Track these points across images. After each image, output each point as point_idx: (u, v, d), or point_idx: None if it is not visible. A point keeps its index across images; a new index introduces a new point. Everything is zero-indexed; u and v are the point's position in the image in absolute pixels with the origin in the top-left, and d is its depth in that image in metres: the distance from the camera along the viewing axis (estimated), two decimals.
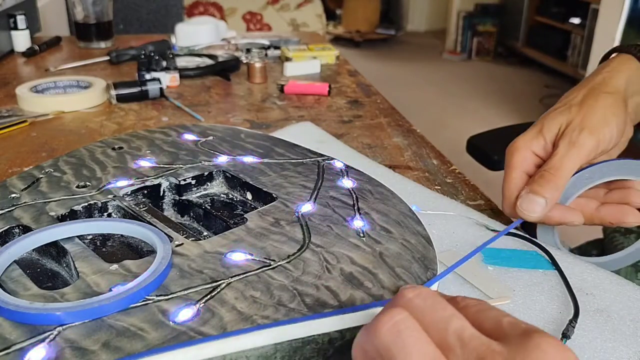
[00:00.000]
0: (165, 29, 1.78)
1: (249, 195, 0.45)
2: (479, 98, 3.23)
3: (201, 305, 0.30)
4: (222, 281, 0.32)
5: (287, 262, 0.34)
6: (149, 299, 0.30)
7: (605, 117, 0.43)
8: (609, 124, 0.42)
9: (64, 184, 0.43)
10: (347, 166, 0.47)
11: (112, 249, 0.39)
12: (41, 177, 0.45)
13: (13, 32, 1.06)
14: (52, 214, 0.39)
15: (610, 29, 2.30)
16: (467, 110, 3.03)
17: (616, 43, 2.06)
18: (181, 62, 0.96)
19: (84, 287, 0.31)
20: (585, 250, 0.74)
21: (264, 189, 0.43)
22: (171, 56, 0.88)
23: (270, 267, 0.33)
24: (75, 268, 0.33)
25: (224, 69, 0.94)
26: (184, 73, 0.90)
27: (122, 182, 0.43)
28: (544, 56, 3.58)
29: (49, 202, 0.41)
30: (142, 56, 0.86)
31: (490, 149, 0.85)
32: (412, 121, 0.74)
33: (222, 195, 0.46)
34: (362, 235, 0.37)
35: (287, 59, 0.99)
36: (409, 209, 0.42)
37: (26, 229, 0.37)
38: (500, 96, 3.26)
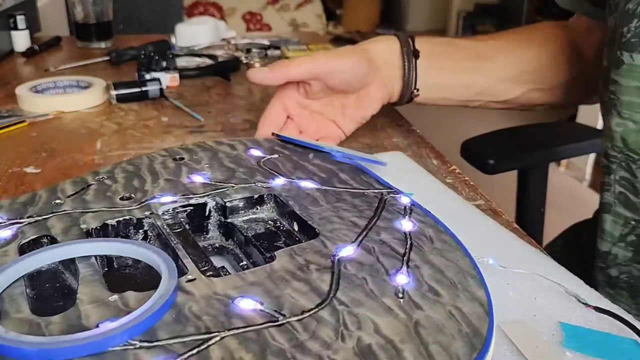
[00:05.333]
0: (165, 29, 1.77)
1: (296, 226, 0.40)
2: None
3: None
4: (217, 334, 0.28)
5: (297, 320, 0.29)
6: (131, 344, 0.27)
7: (340, 55, 0.56)
8: (342, 58, 0.56)
9: (110, 194, 0.42)
10: (414, 204, 0.41)
11: (131, 271, 0.37)
12: (92, 184, 0.43)
13: (13, 32, 1.06)
14: (84, 226, 0.37)
15: None
16: (467, 110, 3.03)
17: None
18: (181, 62, 0.96)
19: (73, 318, 0.29)
20: (572, 233, 0.76)
21: (309, 222, 0.38)
22: (171, 56, 0.88)
23: (276, 323, 0.29)
24: (76, 292, 0.31)
25: (224, 69, 0.94)
26: (184, 73, 0.90)
27: (166, 198, 0.41)
28: None
29: (86, 212, 0.39)
30: (142, 56, 0.86)
31: (485, 153, 0.85)
32: (412, 121, 0.74)
33: (270, 221, 0.43)
34: (400, 295, 0.31)
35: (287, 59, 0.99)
36: (473, 267, 0.34)
37: (53, 241, 0.36)
38: None
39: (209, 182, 0.44)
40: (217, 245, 0.42)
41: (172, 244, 0.36)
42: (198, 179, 0.44)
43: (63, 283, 0.35)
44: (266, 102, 0.81)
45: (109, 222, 0.38)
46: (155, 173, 0.45)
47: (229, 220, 0.42)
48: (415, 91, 0.60)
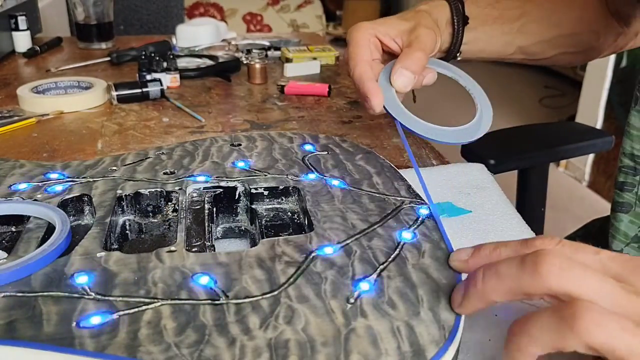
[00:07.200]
0: (165, 29, 1.78)
1: (306, 220, 0.40)
2: None
3: (117, 317, 0.28)
4: (159, 301, 0.29)
5: (235, 303, 0.29)
6: (89, 293, 0.30)
7: (432, 27, 0.53)
8: (435, 34, 0.52)
9: (158, 168, 0.45)
10: (430, 216, 0.38)
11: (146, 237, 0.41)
12: (149, 158, 0.47)
13: (14, 33, 1.06)
14: (119, 192, 0.41)
15: None
16: (467, 111, 3.03)
17: None
18: (182, 62, 0.97)
19: (61, 264, 0.33)
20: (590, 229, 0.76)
21: (312, 218, 0.39)
22: (172, 57, 0.88)
23: (215, 302, 0.29)
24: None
25: (225, 70, 0.94)
26: (185, 74, 0.90)
27: (200, 178, 0.44)
28: None
29: (128, 180, 0.43)
30: (143, 57, 0.87)
31: (485, 153, 0.85)
32: None
33: (289, 212, 0.44)
34: (352, 301, 0.30)
35: (287, 60, 0.99)
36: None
37: (90, 200, 0.41)
38: (499, 97, 3.26)
39: (247, 169, 0.46)
40: (243, 227, 0.44)
41: (180, 217, 0.39)
42: (240, 164, 0.47)
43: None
44: (266, 103, 0.81)
45: (142, 191, 0.42)
46: (207, 155, 0.48)
47: (253, 206, 0.44)
48: (457, 55, 0.59)
